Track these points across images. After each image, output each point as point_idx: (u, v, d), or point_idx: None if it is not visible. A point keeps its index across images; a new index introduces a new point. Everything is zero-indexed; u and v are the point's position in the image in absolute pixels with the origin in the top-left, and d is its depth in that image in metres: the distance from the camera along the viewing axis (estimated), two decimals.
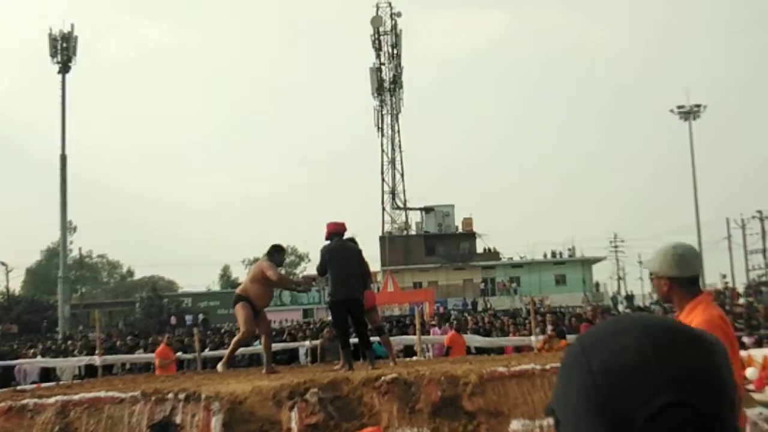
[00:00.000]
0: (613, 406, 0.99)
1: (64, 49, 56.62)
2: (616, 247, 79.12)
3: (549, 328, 17.82)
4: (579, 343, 1.09)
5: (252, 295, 10.42)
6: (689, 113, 52.17)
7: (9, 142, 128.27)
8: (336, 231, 10.20)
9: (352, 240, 10.70)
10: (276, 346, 18.27)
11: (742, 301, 38.92)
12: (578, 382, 1.03)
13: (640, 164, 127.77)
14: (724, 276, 61.37)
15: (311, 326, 30.98)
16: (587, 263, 63.05)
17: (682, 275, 4.00)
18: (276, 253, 10.77)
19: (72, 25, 57.56)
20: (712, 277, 58.91)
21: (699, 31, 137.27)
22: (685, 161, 52.02)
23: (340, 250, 10.04)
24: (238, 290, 10.79)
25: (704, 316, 3.84)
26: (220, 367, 10.51)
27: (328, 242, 10.16)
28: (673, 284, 4.02)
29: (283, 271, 13.18)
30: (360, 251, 10.49)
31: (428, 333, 19.53)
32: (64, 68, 56.67)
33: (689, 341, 1.03)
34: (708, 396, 0.98)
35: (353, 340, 10.58)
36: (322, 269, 10.10)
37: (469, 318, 26.59)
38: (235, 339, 11.07)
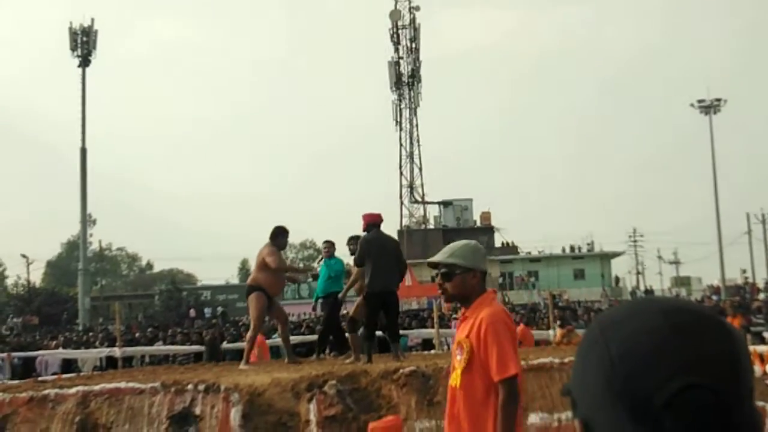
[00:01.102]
0: (631, 388, 0.99)
1: (84, 43, 56.87)
2: (635, 241, 78.85)
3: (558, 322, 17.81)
4: (597, 324, 1.09)
5: (264, 283, 10.28)
6: (710, 107, 51.73)
7: (29, 135, 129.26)
8: (373, 222, 10.14)
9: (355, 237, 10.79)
10: (294, 339, 18.35)
11: (762, 296, 38.62)
12: (596, 364, 1.04)
13: (660, 159, 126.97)
14: (744, 271, 60.98)
15: None
16: (606, 258, 62.71)
17: (485, 270, 4.19)
18: (279, 235, 10.59)
19: (92, 19, 57.84)
20: (732, 272, 58.59)
21: (720, 25, 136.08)
22: (706, 155, 51.63)
23: (378, 240, 9.97)
24: (249, 280, 10.63)
25: (492, 308, 4.01)
26: (242, 366, 10.20)
27: (365, 233, 10.10)
28: (480, 279, 4.15)
29: (291, 257, 13.16)
30: (398, 243, 10.44)
31: (447, 326, 19.55)
32: (84, 62, 56.91)
33: (707, 324, 1.03)
34: (726, 378, 0.99)
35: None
36: (360, 260, 10.02)
37: None
38: (248, 336, 10.89)
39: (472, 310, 4.05)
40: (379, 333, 10.75)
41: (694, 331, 1.01)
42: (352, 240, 10.90)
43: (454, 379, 4.00)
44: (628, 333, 1.03)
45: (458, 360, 3.96)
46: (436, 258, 4.19)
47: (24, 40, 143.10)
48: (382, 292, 9.82)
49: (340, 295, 11.21)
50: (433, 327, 16.86)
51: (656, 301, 1.08)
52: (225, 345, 18.18)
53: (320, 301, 11.68)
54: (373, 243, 9.89)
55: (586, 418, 1.05)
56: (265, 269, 10.27)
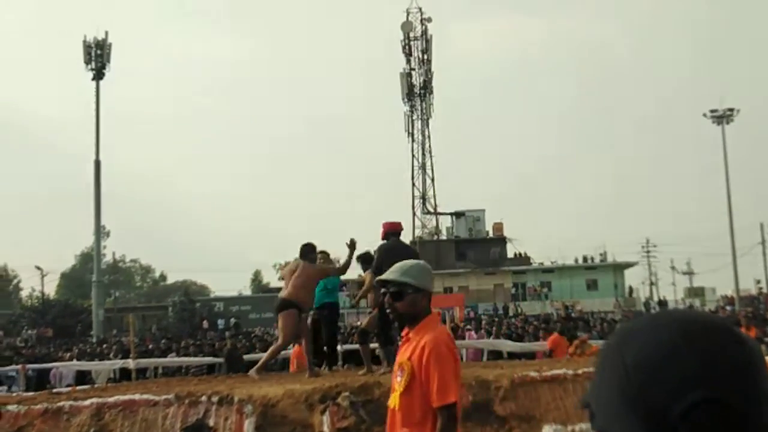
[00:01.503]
0: (646, 400, 0.99)
1: (98, 56, 57.20)
2: (648, 252, 78.48)
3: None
4: (615, 336, 1.10)
5: (301, 300, 10.22)
6: (722, 117, 51.53)
7: (44, 147, 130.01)
8: (392, 230, 10.18)
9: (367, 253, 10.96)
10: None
11: None
12: (612, 376, 1.04)
13: (674, 169, 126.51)
14: (758, 281, 60.56)
15: (342, 331, 31.05)
16: (619, 268, 62.46)
17: (432, 291, 4.24)
18: (311, 252, 10.67)
19: (106, 32, 58.16)
20: (746, 283, 58.17)
21: (733, 34, 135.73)
22: (719, 166, 51.37)
23: (396, 249, 9.81)
24: (285, 295, 10.36)
25: (436, 332, 4.00)
26: (253, 372, 10.18)
27: (384, 241, 10.11)
28: (427, 300, 4.17)
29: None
30: (416, 252, 10.40)
31: (463, 337, 19.54)
32: (98, 75, 57.21)
33: (724, 335, 1.03)
34: (743, 390, 0.99)
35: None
36: (377, 269, 9.79)
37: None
38: (273, 347, 10.81)
39: (416, 332, 4.02)
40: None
41: (711, 342, 1.02)
42: (360, 258, 11.17)
43: (393, 400, 3.97)
44: (643, 344, 1.04)
45: (398, 381, 3.93)
46: (388, 276, 4.15)
47: (40, 53, 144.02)
48: None
49: (353, 301, 11.31)
50: None
51: (673, 314, 1.09)
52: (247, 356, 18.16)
53: (313, 312, 11.62)
54: (391, 252, 9.73)
55: (603, 430, 1.06)
56: (307, 287, 10.30)
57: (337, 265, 11.89)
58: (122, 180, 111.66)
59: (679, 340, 1.02)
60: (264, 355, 10.77)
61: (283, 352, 15.89)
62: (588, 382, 1.19)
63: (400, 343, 4.08)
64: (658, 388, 0.99)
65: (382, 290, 4.17)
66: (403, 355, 4.02)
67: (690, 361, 1.00)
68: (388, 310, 4.17)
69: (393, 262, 9.59)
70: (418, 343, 3.96)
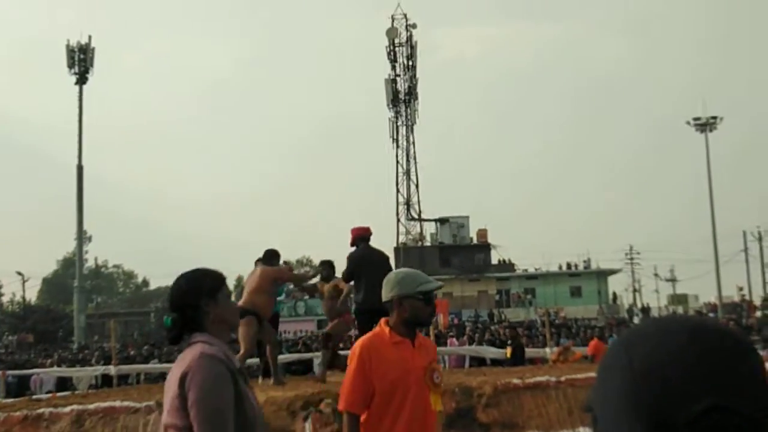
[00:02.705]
0: (654, 407, 0.98)
1: (81, 60, 57.03)
2: (631, 259, 78.78)
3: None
4: (621, 342, 1.08)
5: (260, 306, 9.88)
6: (705, 125, 51.87)
7: (26, 152, 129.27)
8: (361, 236, 9.84)
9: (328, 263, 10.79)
10: (291, 357, 18.31)
11: (759, 314, 38.63)
12: (618, 382, 1.03)
13: (656, 176, 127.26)
14: (741, 289, 60.89)
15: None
16: (603, 275, 62.70)
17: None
18: (273, 258, 10.39)
19: (89, 37, 58.04)
20: (728, 290, 58.44)
21: (714, 42, 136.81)
22: (702, 173, 51.69)
23: (367, 256, 9.67)
24: (242, 303, 9.93)
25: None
26: None
27: (354, 248, 9.82)
28: None
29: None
30: (387, 257, 10.13)
31: (445, 344, 19.52)
32: (81, 79, 57.07)
33: (731, 343, 1.02)
34: (751, 398, 0.98)
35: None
36: (348, 276, 9.78)
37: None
38: (237, 357, 10.38)
39: (420, 337, 4.14)
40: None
41: (720, 349, 1.00)
42: (323, 264, 10.96)
43: (437, 402, 3.98)
44: (651, 351, 1.02)
45: (436, 383, 3.96)
46: (435, 284, 4.16)
47: (21, 58, 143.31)
48: (372, 309, 9.62)
49: (338, 304, 11.02)
50: None
51: (680, 320, 1.07)
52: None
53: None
54: (362, 259, 9.61)
55: None
56: (266, 292, 9.96)
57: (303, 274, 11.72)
58: (105, 185, 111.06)
59: (687, 346, 1.00)
60: None
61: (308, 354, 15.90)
62: (567, 396, 1.17)
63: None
64: (667, 394, 0.98)
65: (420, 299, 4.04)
66: (425, 357, 4.05)
67: (699, 368, 0.98)
68: (431, 318, 4.20)
69: (366, 269, 9.54)
70: (428, 346, 4.12)
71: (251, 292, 9.95)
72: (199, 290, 3.22)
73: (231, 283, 11.56)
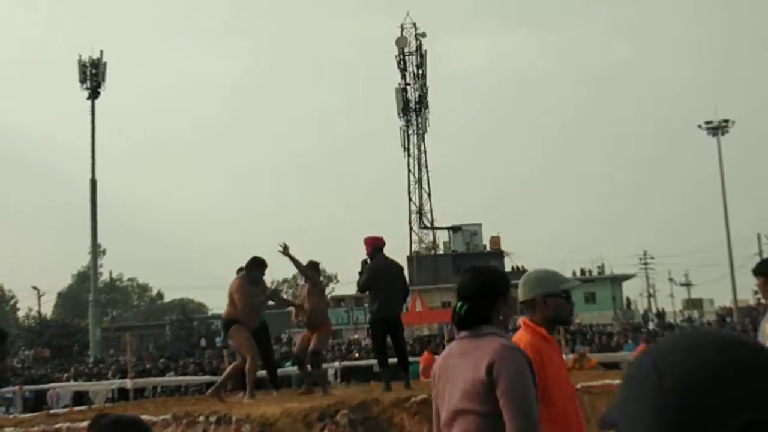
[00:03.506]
0: (688, 425, 0.96)
1: (93, 75, 57.35)
2: (645, 264, 78.47)
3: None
4: (649, 358, 1.06)
5: (238, 315, 9.81)
6: (717, 128, 51.68)
7: (40, 167, 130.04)
8: (377, 246, 9.81)
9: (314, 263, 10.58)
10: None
11: None
12: (650, 401, 1.00)
13: (670, 181, 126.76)
14: (756, 292, 60.46)
15: (340, 347, 31.04)
16: (617, 281, 62.40)
17: None
18: (253, 268, 10.21)
19: (101, 51, 58.37)
20: (744, 294, 58.06)
21: (727, 45, 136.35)
22: (715, 177, 51.47)
23: (384, 267, 9.68)
24: (225, 315, 10.19)
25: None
26: (247, 398, 9.63)
27: (370, 258, 9.77)
28: None
29: (272, 285, 12.52)
30: (401, 268, 10.17)
31: None
32: (93, 94, 57.38)
33: (763, 358, 1.00)
34: None
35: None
36: (365, 286, 9.73)
37: None
38: (248, 368, 9.87)
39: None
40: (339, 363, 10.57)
41: (751, 365, 0.99)
42: (309, 265, 10.52)
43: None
44: (684, 367, 1.00)
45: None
46: (575, 283, 4.30)
47: (33, 72, 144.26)
48: (385, 318, 9.60)
49: (292, 318, 10.85)
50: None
51: (710, 335, 1.05)
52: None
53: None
54: (379, 269, 9.61)
55: None
56: (233, 302, 9.92)
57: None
58: (118, 199, 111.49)
59: (720, 361, 0.99)
60: (247, 380, 9.95)
61: (282, 370, 15.92)
62: (584, 403, 1.15)
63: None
64: (703, 414, 0.96)
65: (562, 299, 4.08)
66: (558, 351, 4.14)
67: (734, 384, 0.97)
68: (572, 315, 4.18)
69: (383, 280, 9.50)
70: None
71: (228, 303, 10.01)
72: (496, 287, 3.50)
73: None
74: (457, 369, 3.32)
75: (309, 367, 10.48)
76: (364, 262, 9.98)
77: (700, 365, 0.99)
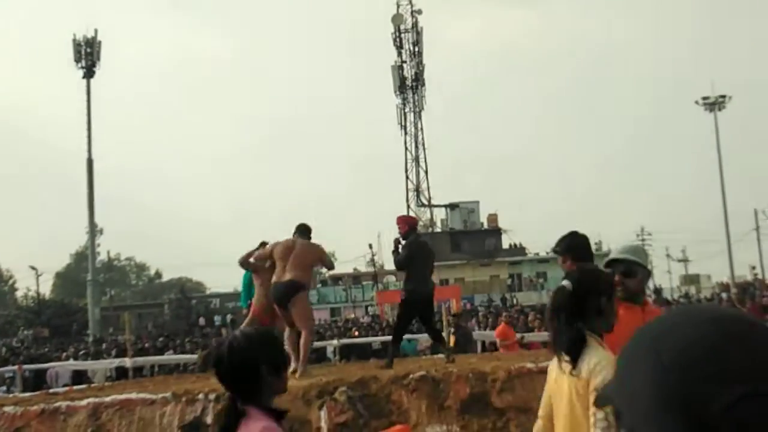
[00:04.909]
0: (686, 399, 0.97)
1: (88, 54, 57.07)
2: (643, 240, 78.51)
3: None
4: (647, 334, 1.06)
5: (307, 282, 9.29)
6: (714, 104, 51.63)
7: (37, 147, 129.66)
8: (413, 226, 10.01)
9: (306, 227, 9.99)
10: None
11: None
12: (649, 376, 1.01)
13: (667, 157, 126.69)
14: (753, 267, 60.72)
15: (339, 325, 31.15)
16: None
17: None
18: (307, 233, 9.75)
19: (96, 30, 58.04)
20: (741, 269, 58.39)
21: (724, 21, 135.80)
22: (712, 153, 51.45)
23: (422, 246, 9.92)
24: (293, 276, 9.07)
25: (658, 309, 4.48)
26: (299, 372, 8.75)
27: (403, 237, 9.71)
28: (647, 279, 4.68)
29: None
30: (433, 251, 10.34)
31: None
32: (89, 73, 57.15)
33: (759, 331, 1.01)
34: None
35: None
36: (404, 263, 9.64)
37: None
38: (304, 341, 9.07)
39: (647, 305, 4.52)
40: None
41: (748, 338, 0.99)
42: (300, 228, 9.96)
43: None
44: (681, 342, 1.01)
45: None
46: (619, 255, 4.48)
47: (29, 51, 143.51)
48: (422, 297, 9.67)
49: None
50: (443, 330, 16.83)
51: (705, 310, 1.06)
52: None
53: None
54: (419, 248, 9.77)
55: (634, 428, 1.02)
56: (311, 268, 9.66)
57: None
58: (115, 177, 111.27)
59: (718, 335, 0.99)
60: (301, 353, 9.01)
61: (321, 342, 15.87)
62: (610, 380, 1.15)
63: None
64: (700, 384, 0.96)
65: (608, 270, 4.23)
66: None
67: (732, 356, 0.97)
68: (619, 289, 4.10)
69: (420, 258, 9.55)
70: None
71: (299, 267, 9.18)
72: (598, 285, 3.58)
73: (242, 272, 11.42)
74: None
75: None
76: (397, 241, 9.88)
77: (696, 339, 1.00)
